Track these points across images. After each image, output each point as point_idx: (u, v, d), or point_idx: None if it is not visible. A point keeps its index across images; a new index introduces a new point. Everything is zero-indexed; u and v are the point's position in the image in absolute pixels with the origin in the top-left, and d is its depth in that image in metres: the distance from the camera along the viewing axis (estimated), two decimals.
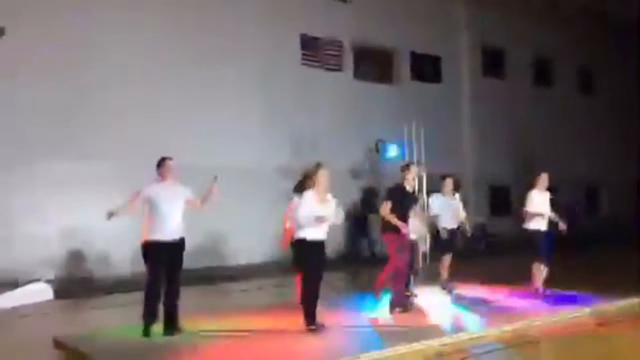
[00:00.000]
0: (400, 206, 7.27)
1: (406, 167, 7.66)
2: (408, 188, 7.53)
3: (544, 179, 8.22)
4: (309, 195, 6.31)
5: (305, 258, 6.30)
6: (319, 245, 6.28)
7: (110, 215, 6.08)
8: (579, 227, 18.13)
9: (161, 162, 6.42)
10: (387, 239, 7.36)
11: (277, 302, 8.21)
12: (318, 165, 6.52)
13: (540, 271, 8.13)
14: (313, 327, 6.14)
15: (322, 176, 6.41)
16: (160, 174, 6.39)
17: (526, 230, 8.17)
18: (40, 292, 9.76)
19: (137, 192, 6.30)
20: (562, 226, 8.17)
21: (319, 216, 6.11)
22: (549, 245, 8.17)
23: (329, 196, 6.50)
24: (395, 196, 7.34)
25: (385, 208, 7.25)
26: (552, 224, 8.29)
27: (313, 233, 6.23)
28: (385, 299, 7.44)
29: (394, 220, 7.16)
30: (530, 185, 8.28)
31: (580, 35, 22.02)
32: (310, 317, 6.19)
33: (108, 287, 10.99)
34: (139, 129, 12.70)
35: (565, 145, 21.03)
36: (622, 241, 17.81)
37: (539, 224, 8.09)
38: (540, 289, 8.11)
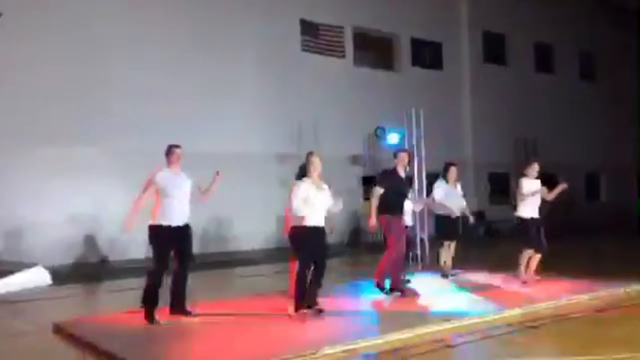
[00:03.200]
0: (391, 192, 7.27)
1: (397, 154, 7.66)
2: (401, 173, 7.52)
3: (534, 167, 8.24)
4: (303, 182, 6.32)
5: (300, 244, 6.33)
6: (315, 231, 6.29)
7: (127, 229, 6.13)
8: (578, 214, 18.22)
9: (169, 150, 6.49)
10: (382, 223, 7.38)
11: (277, 288, 8.23)
12: (309, 154, 6.53)
13: (528, 259, 8.13)
14: (298, 312, 6.20)
15: (314, 163, 6.41)
16: (168, 161, 6.47)
17: (517, 218, 8.18)
18: (38, 277, 9.78)
19: (149, 181, 6.34)
20: (563, 185, 8.12)
21: (312, 202, 6.16)
22: (542, 232, 8.17)
23: (324, 184, 6.51)
24: (385, 182, 7.35)
25: (374, 193, 7.27)
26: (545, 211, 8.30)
27: (308, 219, 6.24)
28: (385, 285, 7.46)
29: (372, 207, 7.15)
30: (522, 174, 8.30)
31: (582, 21, 21.89)
32: (298, 303, 6.25)
33: (115, 272, 11.04)
34: (143, 116, 12.68)
35: (566, 132, 20.99)
36: (621, 228, 17.88)
37: (529, 212, 8.10)
38: (525, 278, 8.08)
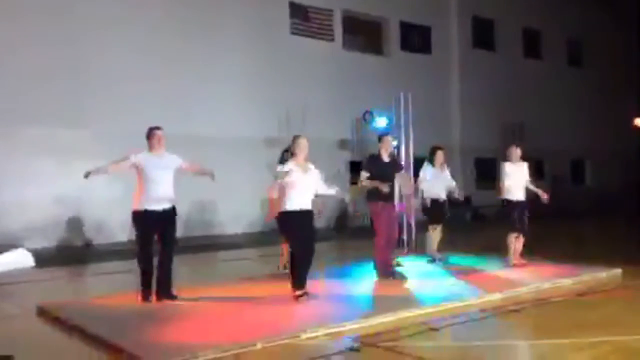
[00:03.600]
0: (377, 176, 7.31)
1: (381, 138, 7.69)
2: (385, 158, 7.55)
3: (515, 151, 8.32)
4: (289, 165, 6.32)
5: (291, 227, 6.33)
6: (303, 214, 6.29)
7: (88, 174, 6.11)
8: (563, 198, 18.39)
9: (150, 132, 6.39)
10: (371, 209, 7.42)
11: (263, 271, 8.26)
12: (296, 136, 6.52)
13: (514, 242, 8.22)
14: (300, 293, 6.20)
15: (300, 145, 6.39)
16: (149, 144, 6.37)
17: (501, 201, 8.27)
18: (21, 259, 9.73)
19: (126, 157, 6.29)
20: (544, 196, 8.27)
21: (292, 180, 6.15)
22: (526, 215, 8.26)
23: (311, 166, 6.50)
24: (371, 166, 7.42)
25: (363, 177, 7.33)
26: (531, 194, 8.39)
27: (296, 203, 6.24)
28: (374, 268, 7.53)
29: (373, 183, 7.22)
30: (505, 158, 8.38)
31: (570, 8, 21.91)
32: (297, 285, 6.25)
33: (100, 254, 11.01)
34: (129, 98, 12.59)
35: (553, 118, 21.12)
36: (606, 213, 18.09)
37: (512, 195, 8.18)
38: (514, 261, 8.17)
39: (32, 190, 11.53)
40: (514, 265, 8.10)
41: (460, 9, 19.45)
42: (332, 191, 6.68)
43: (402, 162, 10.63)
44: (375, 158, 7.57)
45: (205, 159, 12.59)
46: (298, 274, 6.24)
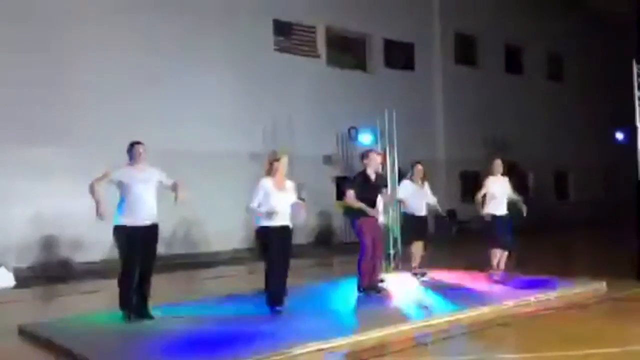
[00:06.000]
0: (363, 193, 7.28)
1: (366, 155, 7.58)
2: (371, 175, 7.51)
3: (497, 164, 8.35)
4: (265, 181, 6.27)
5: (266, 244, 6.32)
6: (278, 230, 6.27)
7: (99, 212, 5.96)
8: (547, 211, 18.53)
9: (131, 147, 6.29)
10: (355, 224, 7.39)
11: (249, 288, 8.17)
12: (275, 153, 6.51)
13: (497, 257, 8.22)
14: (278, 309, 6.21)
15: (280, 164, 6.38)
16: (131, 158, 6.27)
17: (483, 216, 8.26)
18: (1, 278, 9.57)
19: (106, 173, 6.17)
20: (524, 210, 8.28)
21: (271, 212, 6.13)
22: (509, 229, 8.26)
23: (288, 183, 6.48)
24: (357, 184, 7.36)
25: (350, 196, 7.26)
26: (513, 208, 8.40)
27: (271, 220, 6.22)
28: (357, 284, 7.47)
29: (360, 204, 7.18)
30: (488, 172, 8.40)
31: (551, 24, 22.28)
32: (273, 300, 6.24)
33: (78, 273, 10.84)
34: (111, 115, 12.49)
35: (535, 132, 21.37)
36: (589, 225, 18.25)
37: (494, 209, 8.18)
38: (496, 276, 8.16)
39: (8, 208, 11.34)
40: (496, 281, 8.06)
41: (443, 25, 19.69)
42: (300, 216, 6.57)
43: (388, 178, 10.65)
44: (362, 177, 7.45)
45: (190, 175, 12.55)
46: (277, 290, 6.30)
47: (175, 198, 6.25)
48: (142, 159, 6.25)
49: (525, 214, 8.24)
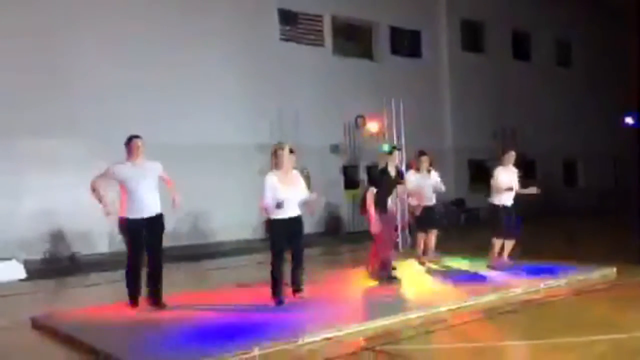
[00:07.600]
0: (382, 190, 7.37)
1: (390, 153, 7.71)
2: (392, 172, 7.57)
3: (511, 156, 8.27)
4: (270, 177, 6.28)
5: (272, 236, 6.33)
6: (286, 222, 6.28)
7: (106, 210, 6.18)
8: (556, 198, 18.48)
9: (128, 141, 6.30)
10: (371, 218, 7.42)
11: (259, 278, 8.21)
12: (277, 145, 6.48)
13: (498, 245, 8.18)
14: (278, 299, 6.26)
15: (283, 156, 6.34)
16: (128, 152, 6.29)
17: (490, 205, 8.24)
18: (12, 271, 9.66)
19: (104, 172, 6.24)
20: (534, 190, 8.19)
21: (279, 202, 6.12)
22: (517, 220, 8.23)
23: (294, 172, 6.48)
24: (380, 182, 7.42)
25: (371, 195, 7.27)
26: (521, 199, 8.34)
27: (279, 212, 6.22)
28: (373, 273, 7.54)
29: (373, 212, 7.19)
30: (499, 162, 8.35)
31: (559, 9, 22.07)
32: (275, 291, 6.29)
33: (85, 266, 10.92)
34: (118, 107, 12.49)
35: (544, 119, 21.23)
36: (599, 212, 18.18)
37: (503, 199, 8.16)
38: (496, 264, 8.12)
39: (20, 201, 11.42)
40: (493, 268, 8.03)
41: (449, 12, 19.54)
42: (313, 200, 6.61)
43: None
44: (384, 174, 7.53)
45: (197, 167, 12.60)
46: (279, 281, 6.34)
47: (173, 204, 6.35)
48: (139, 152, 6.27)
49: (537, 192, 8.14)
